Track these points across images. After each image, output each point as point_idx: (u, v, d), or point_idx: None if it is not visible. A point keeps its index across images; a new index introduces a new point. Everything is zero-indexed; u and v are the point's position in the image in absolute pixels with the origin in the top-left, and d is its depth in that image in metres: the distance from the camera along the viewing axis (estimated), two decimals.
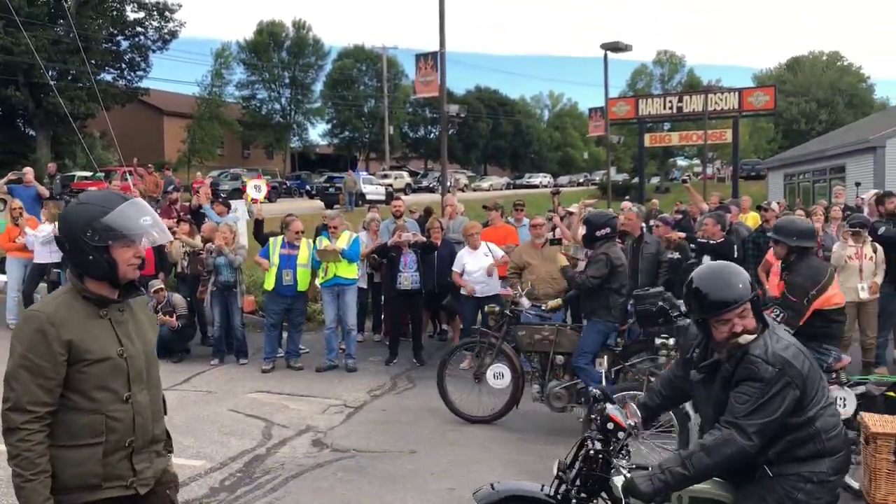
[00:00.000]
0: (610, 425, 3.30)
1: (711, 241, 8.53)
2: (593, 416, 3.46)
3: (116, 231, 2.66)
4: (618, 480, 3.20)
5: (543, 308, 7.43)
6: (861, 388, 5.36)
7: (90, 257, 2.65)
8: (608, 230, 6.72)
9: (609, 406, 3.38)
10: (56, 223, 10.58)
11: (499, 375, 6.95)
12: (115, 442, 2.69)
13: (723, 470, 3.13)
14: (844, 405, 5.20)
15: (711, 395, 3.21)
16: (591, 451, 3.31)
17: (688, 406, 7.28)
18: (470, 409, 7.21)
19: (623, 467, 3.24)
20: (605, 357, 6.67)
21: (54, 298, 2.75)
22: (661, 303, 6.26)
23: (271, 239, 9.44)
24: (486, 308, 7.65)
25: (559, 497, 3.40)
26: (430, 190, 45.38)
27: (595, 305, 6.70)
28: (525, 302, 7.19)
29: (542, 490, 3.49)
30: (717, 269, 3.26)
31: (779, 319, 5.18)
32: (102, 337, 2.69)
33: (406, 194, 39.09)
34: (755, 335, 3.10)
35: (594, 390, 3.63)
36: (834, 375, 5.32)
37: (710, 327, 3.14)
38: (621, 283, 6.63)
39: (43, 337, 2.59)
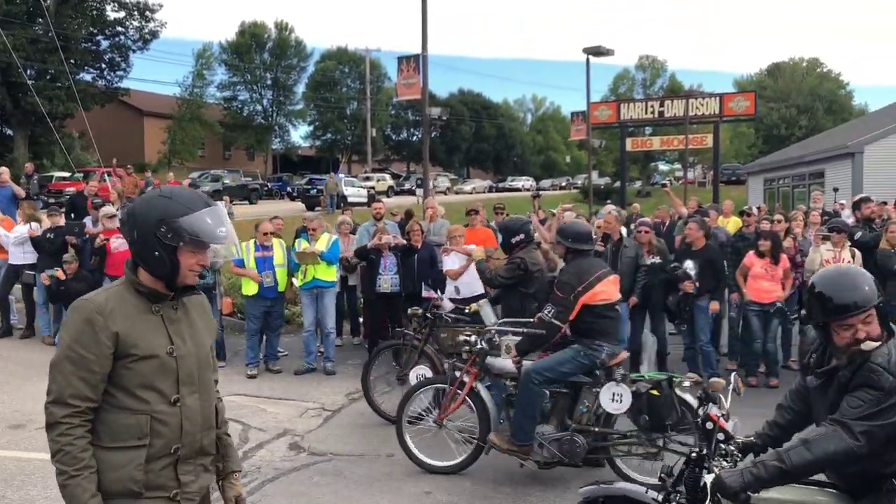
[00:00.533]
0: (709, 425, 3.21)
1: (694, 248, 8.58)
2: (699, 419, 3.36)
3: (190, 235, 2.53)
4: (708, 478, 3.04)
5: (466, 311, 7.54)
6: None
7: (156, 253, 2.52)
8: (522, 236, 6.83)
9: (711, 406, 3.33)
10: (31, 224, 10.46)
11: (421, 377, 6.95)
12: (160, 447, 2.52)
13: (824, 469, 2.96)
14: (620, 401, 5.36)
15: (827, 401, 3.04)
16: (693, 454, 3.21)
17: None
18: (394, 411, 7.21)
19: (716, 467, 3.09)
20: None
21: (106, 289, 2.61)
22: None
23: (242, 244, 9.38)
24: (409, 311, 7.68)
25: (663, 501, 3.27)
26: (413, 193, 45.34)
27: (512, 311, 6.76)
28: (447, 304, 7.32)
29: (646, 493, 3.39)
30: (843, 271, 3.12)
31: (550, 314, 5.46)
32: (152, 333, 2.54)
33: (388, 197, 39.11)
34: (879, 343, 2.91)
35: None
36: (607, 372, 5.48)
37: (831, 332, 2.97)
38: (537, 287, 6.68)
39: (90, 327, 2.45)
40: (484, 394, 5.88)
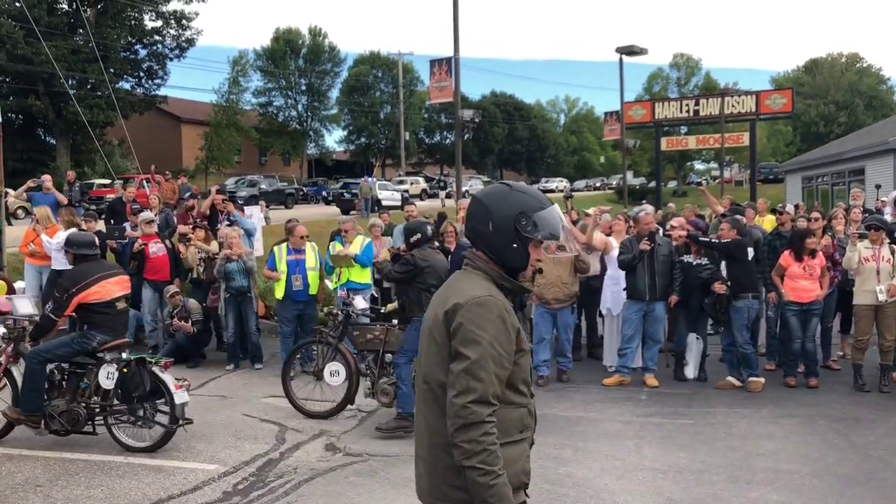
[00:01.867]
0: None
1: (715, 241, 8.51)
2: None
3: (545, 229, 2.58)
4: None
5: (382, 311, 7.95)
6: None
7: (514, 245, 2.56)
8: (419, 235, 7.16)
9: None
10: (71, 229, 10.69)
11: (335, 373, 7.31)
12: (530, 438, 2.61)
13: None
14: (112, 378, 6.38)
15: None
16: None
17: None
18: (312, 405, 7.56)
19: None
20: None
21: (482, 285, 2.55)
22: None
23: (275, 247, 9.52)
24: (325, 310, 7.97)
25: None
26: (448, 196, 45.41)
27: (412, 305, 7.07)
28: (359, 303, 7.61)
29: None
30: None
31: (48, 310, 6.51)
32: (521, 327, 2.60)
33: (422, 199, 39.22)
34: None
35: None
36: (99, 355, 6.43)
37: None
38: (430, 283, 6.90)
39: (504, 325, 2.47)
40: None
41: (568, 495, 5.48)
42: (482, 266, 2.59)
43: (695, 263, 8.70)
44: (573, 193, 12.29)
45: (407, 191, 40.29)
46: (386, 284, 10.65)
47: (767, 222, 11.34)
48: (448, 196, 38.20)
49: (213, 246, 10.34)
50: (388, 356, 7.22)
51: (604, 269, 9.56)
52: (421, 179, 50.18)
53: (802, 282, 8.45)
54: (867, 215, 10.64)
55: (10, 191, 15.20)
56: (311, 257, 9.36)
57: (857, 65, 74.48)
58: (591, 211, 10.29)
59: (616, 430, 7.09)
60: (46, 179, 13.68)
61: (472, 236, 2.64)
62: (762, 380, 8.39)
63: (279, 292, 9.28)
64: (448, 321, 2.49)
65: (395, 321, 7.84)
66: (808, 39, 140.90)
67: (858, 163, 28.34)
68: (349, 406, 7.50)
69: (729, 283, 8.31)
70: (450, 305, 2.51)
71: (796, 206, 14.59)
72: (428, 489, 2.60)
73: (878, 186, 21.14)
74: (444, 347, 2.51)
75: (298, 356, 8.28)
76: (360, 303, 7.63)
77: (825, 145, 42.95)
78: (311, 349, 7.95)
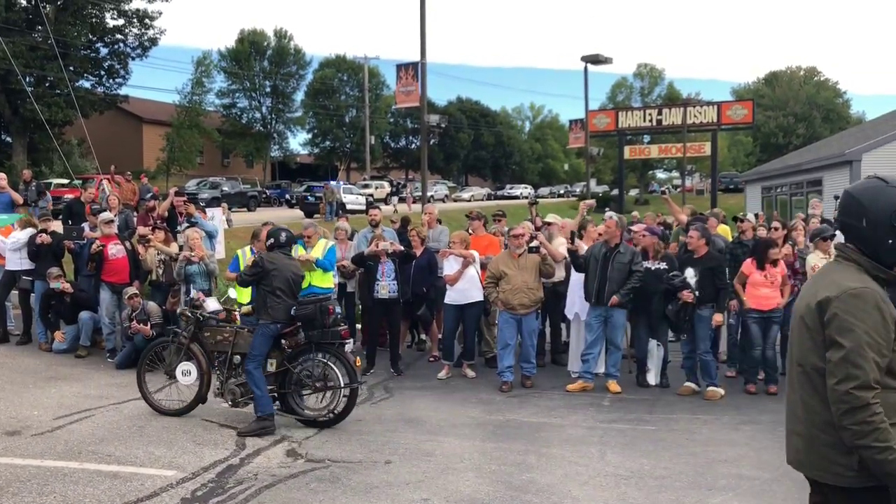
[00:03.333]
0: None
1: (695, 256, 8.56)
2: None
3: None
4: None
5: (237, 312, 8.17)
6: None
7: (889, 241, 2.68)
8: (272, 240, 7.42)
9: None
10: (27, 229, 10.43)
11: (186, 373, 7.46)
12: None
13: None
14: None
15: None
16: None
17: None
18: (167, 403, 7.68)
19: None
20: (275, 360, 7.27)
21: (851, 278, 2.70)
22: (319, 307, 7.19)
23: (239, 251, 9.40)
24: (178, 311, 8.10)
25: None
26: (401, 200, 45.34)
27: (258, 308, 7.32)
28: (210, 305, 7.75)
29: None
30: None
31: None
32: None
33: (387, 204, 39.08)
34: None
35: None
36: None
37: None
38: (275, 285, 7.12)
39: (880, 314, 2.60)
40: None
41: (531, 501, 5.46)
42: (855, 258, 2.74)
43: (653, 269, 8.76)
44: (538, 200, 12.37)
45: (372, 195, 40.13)
46: (350, 288, 10.59)
47: (721, 231, 11.46)
48: (401, 201, 37.97)
49: (173, 248, 10.16)
50: (237, 357, 7.41)
51: (569, 274, 9.58)
52: (386, 184, 50.05)
53: (763, 290, 8.56)
54: (823, 225, 10.82)
55: None
56: None
57: (815, 78, 76.11)
58: (550, 218, 10.33)
59: (579, 435, 7.10)
60: (1, 178, 13.33)
61: (843, 230, 2.78)
62: (721, 390, 8.47)
63: (243, 297, 9.13)
64: (821, 311, 2.68)
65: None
66: (769, 52, 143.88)
67: (816, 174, 28.90)
68: (200, 405, 7.60)
69: (696, 292, 8.38)
70: (822, 297, 2.68)
71: (756, 216, 14.82)
72: (808, 462, 2.83)
73: (836, 197, 21.54)
74: (818, 335, 2.70)
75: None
76: (211, 305, 7.80)
77: (784, 156, 43.77)
78: (164, 349, 8.05)
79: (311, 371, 7.25)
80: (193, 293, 8.13)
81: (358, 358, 7.45)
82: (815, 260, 8.55)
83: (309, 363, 7.26)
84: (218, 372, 7.50)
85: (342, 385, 7.19)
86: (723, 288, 8.52)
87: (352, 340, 7.61)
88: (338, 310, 7.44)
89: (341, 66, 62.46)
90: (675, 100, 56.55)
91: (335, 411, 7.23)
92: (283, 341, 7.30)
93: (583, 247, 9.33)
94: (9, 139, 40.42)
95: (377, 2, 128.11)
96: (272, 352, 7.25)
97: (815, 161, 29.23)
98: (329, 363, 7.22)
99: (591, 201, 12.31)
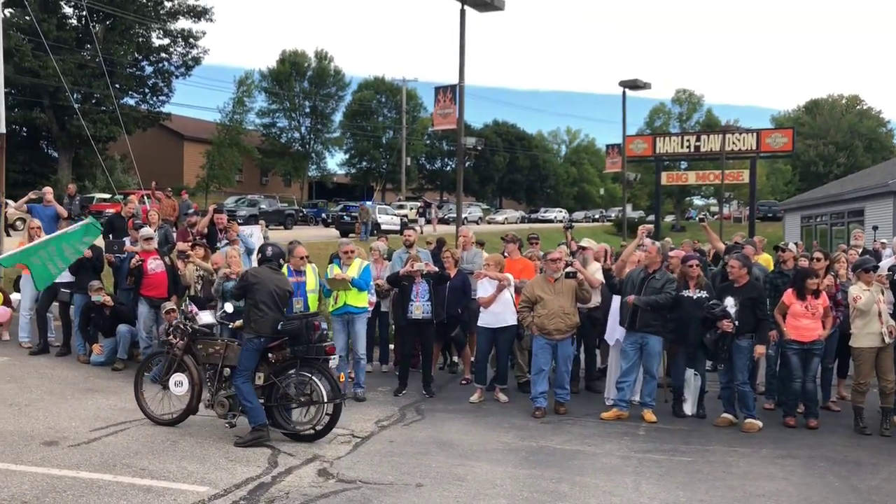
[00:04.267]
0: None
1: (736, 285, 8.43)
2: None
3: None
4: None
5: (231, 326, 8.33)
6: None
7: None
8: (260, 255, 7.76)
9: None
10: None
11: (179, 384, 7.65)
12: None
13: None
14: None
15: None
16: None
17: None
18: (159, 412, 7.82)
19: None
20: (262, 373, 7.38)
21: None
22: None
23: None
24: (173, 323, 8.23)
25: None
26: (446, 221, 45.45)
27: (244, 322, 7.45)
28: (203, 318, 7.90)
29: None
30: None
31: None
32: None
33: (426, 223, 39.21)
34: None
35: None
36: None
37: None
38: (258, 299, 7.28)
39: None
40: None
41: None
42: None
43: (694, 297, 8.64)
44: (573, 224, 12.34)
45: (406, 216, 40.29)
46: (384, 308, 10.60)
47: (763, 260, 11.29)
48: (427, 222, 37.80)
49: (210, 266, 10.26)
50: (227, 370, 7.53)
51: (606, 299, 9.49)
52: (427, 203, 50.21)
53: (804, 321, 8.39)
54: (866, 256, 10.60)
55: (11, 202, 15.14)
56: (311, 279, 9.26)
57: (858, 107, 75.03)
58: (585, 243, 10.23)
59: (614, 465, 6.98)
60: (47, 192, 13.62)
61: None
62: (759, 423, 8.28)
63: None
64: None
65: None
66: (810, 80, 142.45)
67: (858, 204, 28.41)
68: (192, 415, 7.75)
69: (736, 321, 8.23)
70: None
71: (796, 244, 14.57)
72: None
73: (875, 228, 21.16)
74: None
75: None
76: (205, 318, 7.96)
77: (825, 185, 43.15)
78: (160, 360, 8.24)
79: (296, 385, 7.38)
80: (184, 306, 8.26)
81: (342, 374, 7.53)
82: (858, 291, 8.37)
83: (294, 378, 7.38)
84: (209, 384, 7.64)
85: (325, 400, 7.28)
86: (763, 319, 8.37)
87: (337, 356, 7.69)
88: (324, 326, 7.59)
89: (380, 87, 63.11)
90: (713, 126, 56.12)
91: (318, 426, 7.35)
92: (269, 355, 7.42)
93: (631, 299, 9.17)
94: (55, 154, 41.45)
95: (417, 25, 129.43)
96: (260, 365, 7.38)
97: (858, 191, 28.76)
98: (314, 378, 7.32)
99: (650, 226, 12.20)
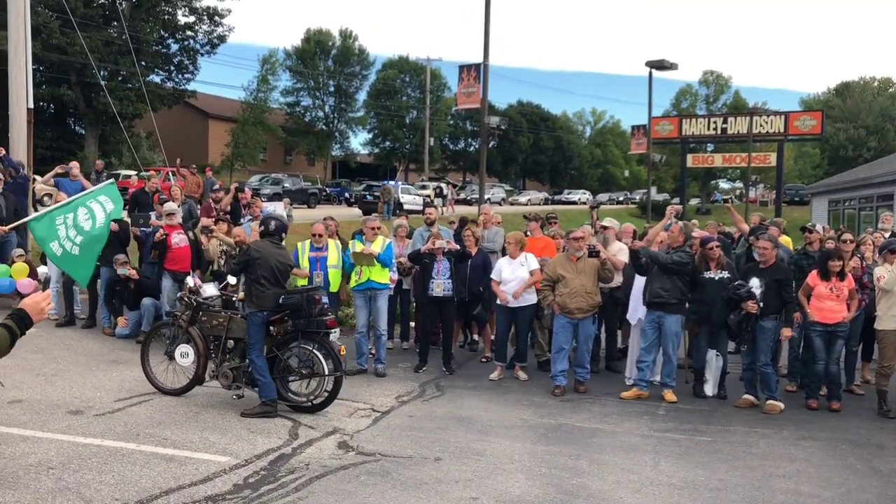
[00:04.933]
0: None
1: (762, 266, 8.35)
2: None
3: None
4: None
5: (234, 299, 8.41)
6: None
7: None
8: (263, 228, 7.75)
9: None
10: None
11: (184, 355, 7.78)
12: None
13: None
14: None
15: None
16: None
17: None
18: (167, 382, 7.97)
19: None
20: (265, 346, 7.49)
21: None
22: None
23: (298, 244, 9.52)
24: (178, 294, 8.36)
25: None
26: (469, 202, 45.38)
27: (247, 296, 7.55)
28: (207, 291, 7.99)
29: None
30: None
31: None
32: None
33: (444, 205, 39.18)
34: None
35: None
36: None
37: None
38: (260, 273, 7.35)
39: None
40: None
41: None
42: None
43: (716, 278, 8.57)
44: (599, 204, 12.25)
45: (429, 195, 40.27)
46: (405, 285, 10.64)
47: (783, 242, 11.20)
48: (444, 204, 37.27)
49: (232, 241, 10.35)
50: (231, 342, 7.71)
51: (627, 279, 9.45)
52: (443, 185, 50.17)
53: (829, 302, 8.30)
54: (891, 237, 10.45)
55: (38, 177, 15.34)
56: (333, 255, 9.34)
57: (890, 89, 73.61)
58: (607, 223, 10.18)
59: (633, 443, 6.98)
60: (74, 166, 13.77)
61: None
62: (780, 404, 8.22)
63: None
64: None
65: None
66: (840, 62, 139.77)
67: (888, 188, 27.95)
68: (198, 385, 7.89)
69: (760, 302, 8.16)
70: None
71: (823, 228, 14.38)
72: None
73: None
74: None
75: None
76: (209, 290, 8.04)
77: (854, 169, 42.46)
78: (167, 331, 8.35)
79: (298, 358, 7.49)
80: (190, 280, 8.34)
81: (343, 347, 7.61)
82: (882, 271, 8.27)
83: (296, 351, 7.50)
84: (213, 355, 7.77)
85: (326, 373, 7.39)
86: (790, 301, 8.28)
87: (338, 330, 7.84)
88: (324, 300, 7.64)
89: (404, 67, 62.87)
90: (740, 108, 55.39)
91: (320, 398, 7.47)
92: (271, 328, 7.52)
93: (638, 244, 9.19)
94: (82, 131, 41.83)
95: (441, 4, 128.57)
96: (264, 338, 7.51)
97: (888, 175, 28.27)
98: (315, 351, 7.43)
99: (679, 207, 12.08)
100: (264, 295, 7.36)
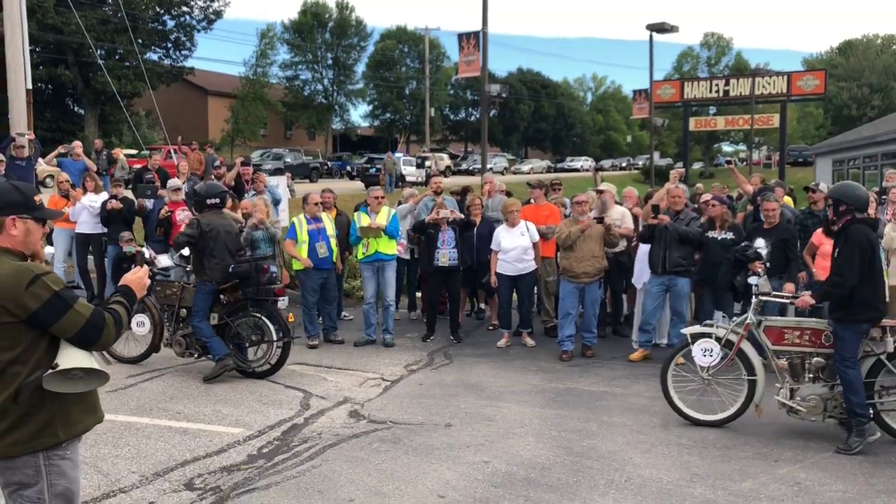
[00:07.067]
0: None
1: (767, 226, 8.35)
2: None
3: None
4: None
5: (188, 269, 8.38)
6: None
7: None
8: (217, 200, 7.83)
9: None
10: (101, 193, 10.74)
11: (140, 324, 8.01)
12: None
13: None
14: None
15: None
16: None
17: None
18: (124, 352, 8.23)
19: None
20: (216, 314, 7.75)
21: None
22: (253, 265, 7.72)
23: (294, 219, 9.55)
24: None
25: None
26: (470, 173, 45.28)
27: (196, 268, 7.73)
28: (162, 261, 8.32)
29: None
30: None
31: None
32: None
33: (446, 176, 39.09)
34: None
35: None
36: None
37: None
38: (210, 246, 7.55)
39: None
40: None
41: (592, 468, 5.45)
42: None
43: (720, 239, 8.55)
44: (603, 167, 12.16)
45: (430, 167, 40.16)
46: (415, 255, 10.66)
47: (786, 202, 11.17)
48: (428, 176, 36.82)
49: (239, 215, 10.36)
50: (184, 311, 7.98)
51: (632, 244, 9.46)
52: (445, 156, 50.00)
53: None
54: None
55: (41, 158, 15.31)
56: (329, 225, 9.42)
57: (894, 46, 72.83)
58: (603, 186, 10.14)
59: (642, 405, 7.03)
60: (76, 146, 13.77)
61: None
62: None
63: (299, 265, 9.28)
64: None
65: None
66: (843, 20, 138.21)
67: (892, 146, 27.81)
68: (154, 354, 8.20)
69: (767, 263, 8.17)
70: None
71: (828, 187, 14.31)
72: None
73: None
74: None
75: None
76: (164, 261, 8.33)
77: (857, 128, 42.20)
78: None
79: (247, 326, 7.75)
80: (145, 251, 8.56)
81: (290, 314, 7.86)
82: (889, 230, 8.25)
83: (246, 318, 7.75)
84: (167, 324, 8.07)
85: (275, 339, 7.60)
86: (794, 260, 8.29)
87: (286, 297, 8.12)
88: (273, 269, 7.87)
89: (402, 37, 62.36)
90: (742, 70, 54.91)
91: (269, 363, 7.72)
92: (221, 297, 7.76)
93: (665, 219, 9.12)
94: (81, 111, 41.66)
95: None
96: (214, 306, 7.75)
97: (892, 132, 28.12)
98: (264, 318, 7.67)
99: (682, 170, 12.05)
100: (217, 267, 7.58)
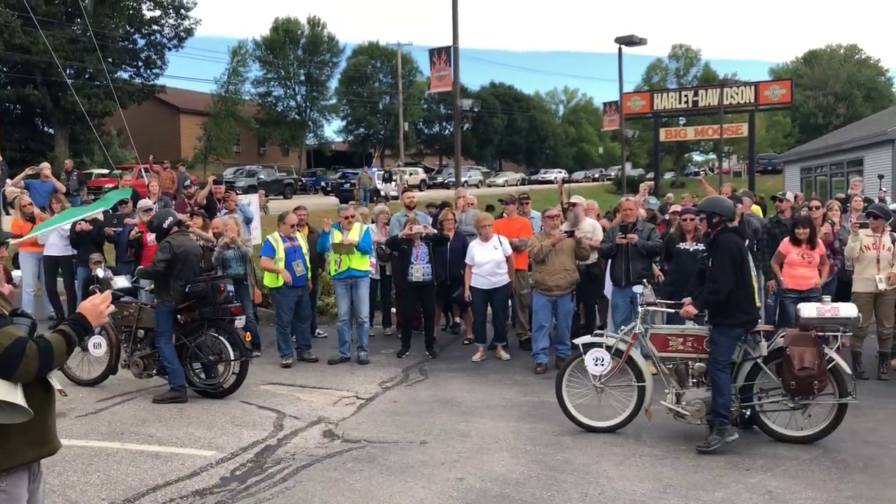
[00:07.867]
0: None
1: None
2: None
3: None
4: None
5: (146, 290, 8.72)
6: None
7: None
8: (171, 220, 7.89)
9: None
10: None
11: (97, 346, 7.95)
12: None
13: None
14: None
15: None
16: None
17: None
18: (82, 374, 8.17)
19: None
20: (173, 334, 7.73)
21: None
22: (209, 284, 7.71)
23: (269, 237, 9.53)
24: (90, 289, 8.26)
25: None
26: (446, 186, 45.32)
27: (158, 288, 7.72)
28: (118, 282, 8.28)
29: None
30: None
31: None
32: None
33: (421, 190, 39.12)
34: None
35: None
36: None
37: None
38: (178, 268, 7.55)
39: None
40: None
41: (566, 481, 5.47)
42: None
43: (691, 250, 8.64)
44: (567, 179, 12.32)
45: (397, 181, 39.98)
46: (387, 272, 10.65)
47: (755, 212, 11.34)
48: (395, 189, 36.13)
49: (211, 234, 10.30)
50: (141, 332, 7.94)
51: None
52: (420, 170, 50.01)
53: (801, 269, 8.44)
54: (867, 204, 10.61)
55: (8, 179, 15.13)
56: (303, 243, 9.46)
57: (856, 56, 74.18)
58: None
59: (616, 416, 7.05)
60: (45, 167, 13.61)
61: None
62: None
63: (275, 282, 9.22)
64: None
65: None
66: (808, 31, 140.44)
67: (857, 153, 28.27)
68: (111, 376, 8.14)
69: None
70: None
71: (795, 196, 14.56)
72: None
73: (880, 177, 21.02)
74: None
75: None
76: (120, 282, 8.31)
77: (824, 136, 42.87)
78: None
79: (204, 345, 7.76)
80: (100, 272, 8.50)
81: (248, 333, 7.92)
82: (867, 239, 8.39)
83: (203, 338, 7.76)
84: (125, 345, 8.01)
85: (232, 359, 7.64)
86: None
87: (243, 317, 8.13)
88: (230, 288, 7.91)
89: (374, 52, 62.44)
90: (711, 81, 55.55)
91: (227, 382, 7.75)
92: (178, 317, 7.76)
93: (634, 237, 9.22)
94: (51, 131, 41.22)
95: None
96: (171, 327, 7.73)
97: (857, 140, 28.59)
98: (221, 338, 7.71)
99: (651, 183, 12.21)
100: (179, 287, 7.57)
